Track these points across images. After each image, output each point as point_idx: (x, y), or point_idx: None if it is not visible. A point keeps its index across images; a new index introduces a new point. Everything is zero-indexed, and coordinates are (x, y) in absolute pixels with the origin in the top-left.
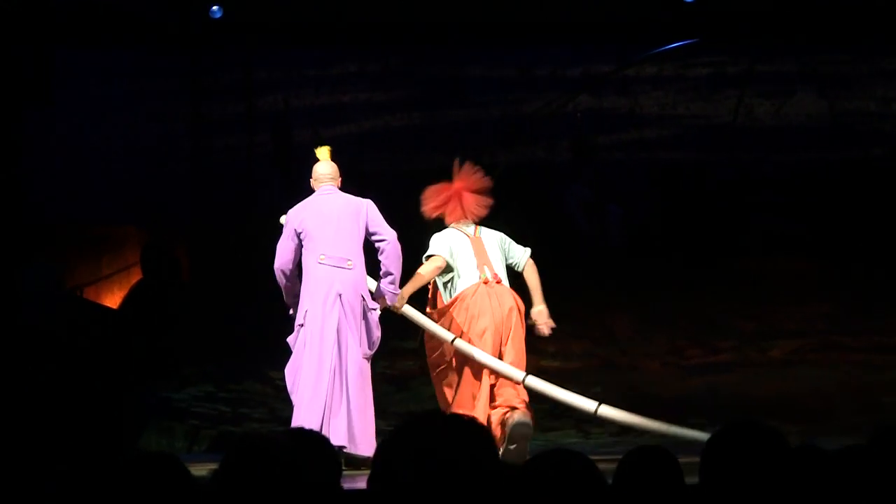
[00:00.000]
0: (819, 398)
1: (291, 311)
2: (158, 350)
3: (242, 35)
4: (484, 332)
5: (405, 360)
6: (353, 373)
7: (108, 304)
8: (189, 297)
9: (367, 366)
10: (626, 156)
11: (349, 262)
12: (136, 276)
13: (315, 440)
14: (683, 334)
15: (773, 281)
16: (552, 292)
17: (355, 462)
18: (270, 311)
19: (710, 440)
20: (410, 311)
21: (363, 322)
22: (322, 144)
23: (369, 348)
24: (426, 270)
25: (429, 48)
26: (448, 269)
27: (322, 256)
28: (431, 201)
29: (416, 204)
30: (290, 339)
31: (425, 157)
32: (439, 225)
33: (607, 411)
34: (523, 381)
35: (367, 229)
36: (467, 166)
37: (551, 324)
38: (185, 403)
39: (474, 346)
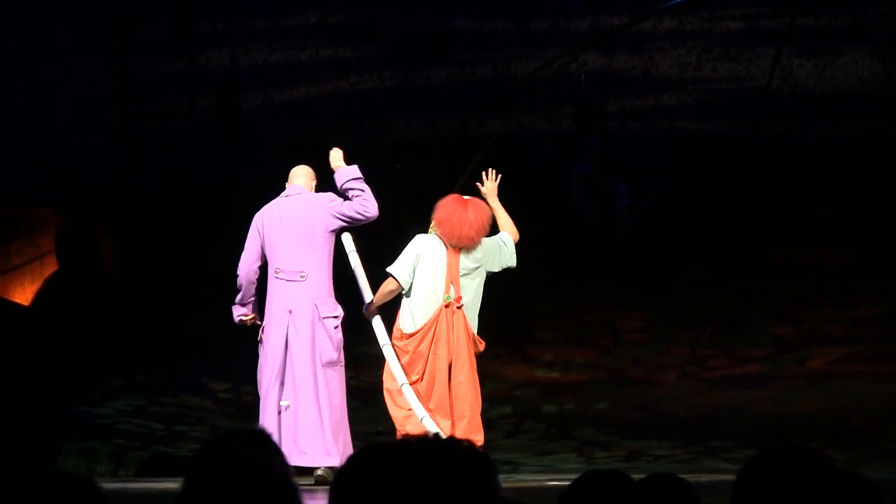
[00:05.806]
0: (867, 418)
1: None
2: (77, 356)
3: None
4: (438, 361)
5: (373, 369)
6: (307, 386)
7: (17, 301)
8: (114, 292)
9: (335, 373)
10: (639, 126)
11: (302, 275)
12: (50, 268)
13: (264, 440)
14: (706, 341)
15: (815, 278)
16: (547, 289)
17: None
18: (211, 310)
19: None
20: (378, 329)
21: (319, 330)
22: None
23: (335, 352)
24: (379, 293)
25: None
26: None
27: (277, 270)
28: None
29: (387, 185)
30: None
31: (399, 127)
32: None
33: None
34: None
35: (340, 217)
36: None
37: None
38: (110, 420)
39: (419, 394)
